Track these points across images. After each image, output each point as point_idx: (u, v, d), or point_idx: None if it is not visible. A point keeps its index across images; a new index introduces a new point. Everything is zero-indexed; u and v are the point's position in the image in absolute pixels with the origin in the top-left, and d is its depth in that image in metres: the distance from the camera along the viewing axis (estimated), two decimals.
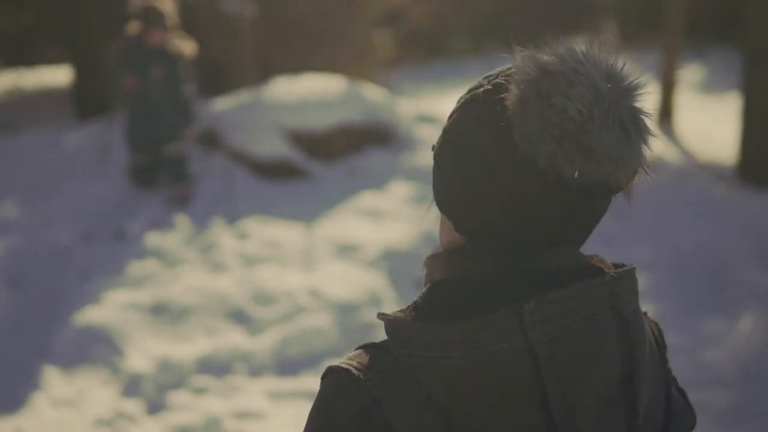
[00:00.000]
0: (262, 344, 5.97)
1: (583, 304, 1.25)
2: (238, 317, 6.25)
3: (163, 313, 6.22)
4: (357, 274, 6.77)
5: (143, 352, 5.79)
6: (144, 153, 7.99)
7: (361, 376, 1.27)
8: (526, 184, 1.24)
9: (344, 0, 12.16)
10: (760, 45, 9.59)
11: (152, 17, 7.65)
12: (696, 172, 10.06)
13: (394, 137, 9.14)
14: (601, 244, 6.80)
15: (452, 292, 1.29)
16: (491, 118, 1.26)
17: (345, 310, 6.33)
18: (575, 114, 1.19)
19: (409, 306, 1.32)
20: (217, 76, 10.88)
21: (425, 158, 9.05)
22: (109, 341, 5.87)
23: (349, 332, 6.17)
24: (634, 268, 1.34)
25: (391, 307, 6.44)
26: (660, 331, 1.48)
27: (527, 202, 1.24)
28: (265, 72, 10.84)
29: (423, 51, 19.30)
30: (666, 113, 12.42)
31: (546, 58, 1.24)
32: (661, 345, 1.46)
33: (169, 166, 7.95)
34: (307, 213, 7.76)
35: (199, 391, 5.52)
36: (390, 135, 9.11)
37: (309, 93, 9.02)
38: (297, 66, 10.78)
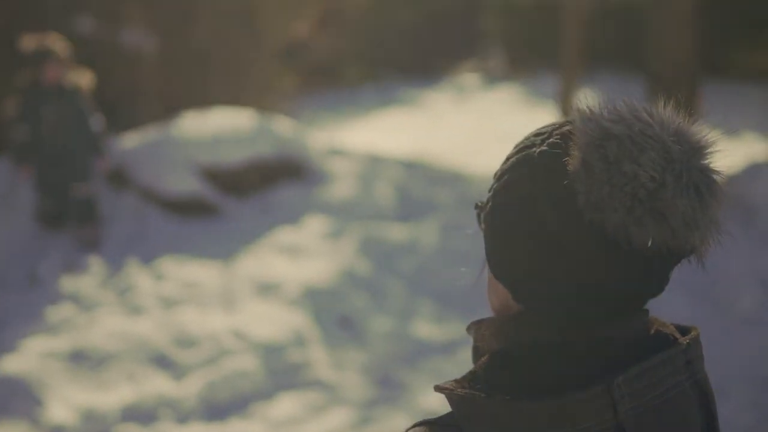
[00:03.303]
0: (188, 389, 5.83)
1: (665, 375, 1.22)
2: (161, 362, 6.10)
3: (83, 360, 6.03)
4: (279, 313, 6.68)
5: (65, 402, 5.60)
6: (52, 196, 7.75)
7: None
8: (592, 253, 1.18)
9: (246, 32, 12.08)
10: (659, 71, 9.97)
11: (44, 55, 7.49)
12: None
13: (306, 171, 9.10)
14: None
15: (519, 364, 1.23)
16: (550, 182, 1.20)
17: (270, 351, 6.23)
18: (647, 181, 1.14)
19: (464, 377, 1.25)
20: (119, 112, 10.67)
21: (339, 192, 9.01)
22: (28, 392, 5.65)
23: (275, 373, 6.08)
24: (699, 332, 1.31)
25: (317, 347, 6.37)
26: None
27: (594, 271, 1.19)
28: (168, 106, 10.67)
29: (318, 80, 19.32)
30: None
31: (609, 120, 1.18)
32: None
33: (77, 207, 7.71)
34: (224, 251, 7.64)
35: None
36: (302, 169, 9.06)
37: (219, 128, 8.91)
38: (200, 99, 10.65)
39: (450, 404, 1.24)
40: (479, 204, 1.34)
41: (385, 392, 6.00)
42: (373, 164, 10.09)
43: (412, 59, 22.51)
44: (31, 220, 8.04)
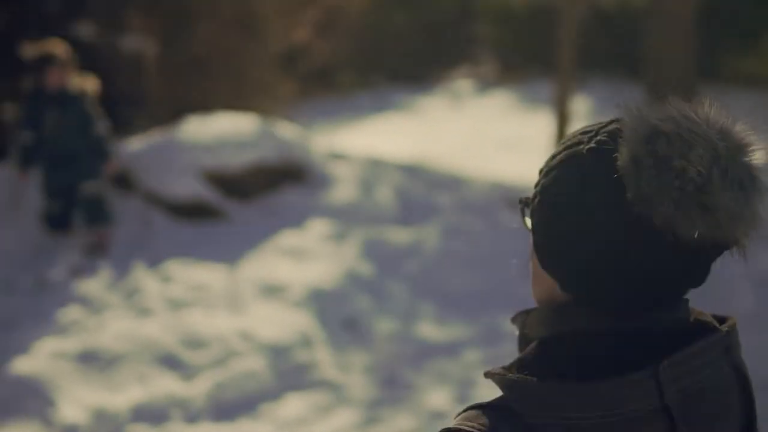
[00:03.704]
0: (197, 390, 5.91)
1: (707, 361, 1.28)
2: (170, 363, 6.17)
3: (92, 361, 6.10)
4: (285, 315, 6.75)
5: (76, 403, 5.67)
6: (58, 199, 7.77)
7: None
8: (639, 245, 1.24)
9: (246, 38, 12.13)
10: (658, 77, 10.11)
11: (46, 60, 7.53)
12: None
13: (308, 175, 9.16)
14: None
15: (567, 351, 1.29)
16: (599, 177, 1.26)
17: (277, 352, 6.31)
18: (695, 175, 1.19)
19: (513, 363, 1.31)
20: (120, 117, 10.72)
21: (341, 195, 9.09)
22: (40, 392, 5.72)
23: (282, 374, 6.16)
24: (736, 321, 1.36)
25: (323, 348, 6.45)
26: None
27: (641, 262, 1.25)
28: (169, 111, 10.72)
29: (313, 86, 19.36)
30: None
31: (658, 118, 1.24)
32: None
33: (87, 206, 7.73)
34: (229, 254, 7.70)
35: None
36: (305, 173, 9.13)
37: (223, 132, 8.98)
38: (200, 103, 10.69)
39: (501, 388, 1.30)
40: (524, 200, 1.40)
41: (391, 393, 6.08)
42: (374, 168, 10.16)
43: (406, 65, 22.56)
44: (39, 225, 8.06)
